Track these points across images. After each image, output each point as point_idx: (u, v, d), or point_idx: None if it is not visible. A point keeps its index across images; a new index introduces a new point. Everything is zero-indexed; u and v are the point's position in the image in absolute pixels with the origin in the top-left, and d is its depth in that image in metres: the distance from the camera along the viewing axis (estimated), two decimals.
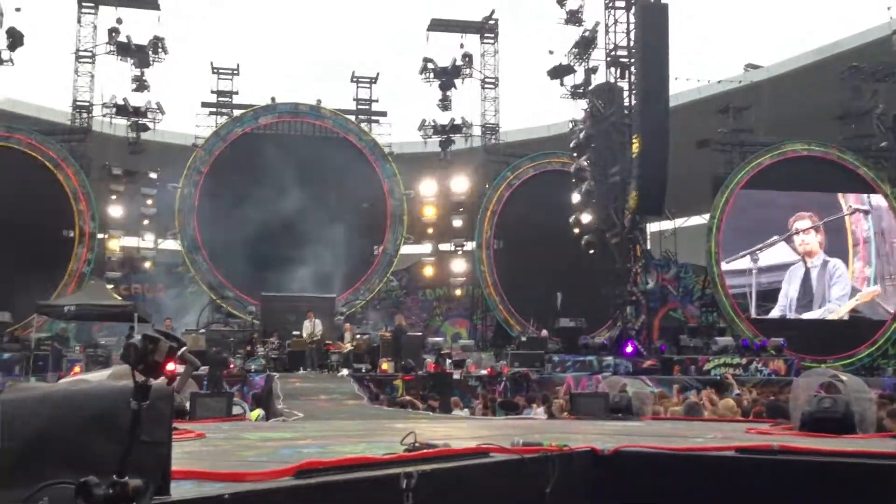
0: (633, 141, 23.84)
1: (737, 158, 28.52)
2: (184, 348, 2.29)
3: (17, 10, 24.31)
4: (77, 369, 18.52)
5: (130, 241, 28.91)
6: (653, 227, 32.09)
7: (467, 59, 30.85)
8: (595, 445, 4.04)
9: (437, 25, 31.04)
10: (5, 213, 24.04)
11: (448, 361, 19.81)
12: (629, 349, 23.03)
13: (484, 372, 20.28)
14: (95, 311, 21.78)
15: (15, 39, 24.27)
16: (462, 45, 30.86)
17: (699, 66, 33.57)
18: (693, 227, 34.14)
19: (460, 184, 30.25)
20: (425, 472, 2.99)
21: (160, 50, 28.59)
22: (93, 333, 26.03)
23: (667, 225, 32.33)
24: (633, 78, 25.05)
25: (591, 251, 25.51)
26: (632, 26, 25.35)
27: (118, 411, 2.28)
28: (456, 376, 19.19)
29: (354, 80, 31.61)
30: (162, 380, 2.33)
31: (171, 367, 2.42)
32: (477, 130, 31.16)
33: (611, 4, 26.35)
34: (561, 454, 3.75)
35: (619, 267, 25.14)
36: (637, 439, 4.62)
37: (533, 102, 38.52)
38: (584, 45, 27.61)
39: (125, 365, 2.31)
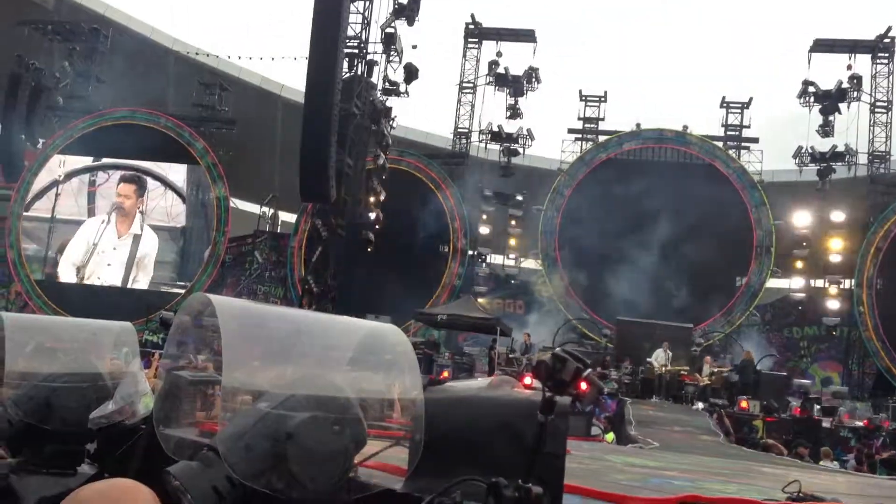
0: None
1: None
2: (589, 370, 2.39)
3: (414, 47, 27.23)
4: (445, 374, 20.13)
5: (496, 259, 30.78)
6: None
7: (855, 80, 28.27)
8: None
9: (821, 46, 28.92)
10: (395, 228, 26.87)
11: (816, 407, 18.25)
12: None
13: (860, 423, 18.34)
14: (463, 322, 23.55)
15: (410, 74, 27.16)
16: (850, 66, 28.35)
17: None
18: None
19: (839, 216, 27.66)
20: None
21: (534, 80, 30.26)
22: (458, 342, 28.10)
23: None
24: None
25: None
26: None
27: (524, 421, 2.43)
28: (825, 424, 17.60)
29: (724, 105, 30.61)
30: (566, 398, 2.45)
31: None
32: (863, 159, 28.39)
33: None
34: None
35: None
36: None
37: None
38: None
39: (503, 376, 2.48)
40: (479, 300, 27.65)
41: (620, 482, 3.95)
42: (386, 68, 26.81)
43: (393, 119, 27.14)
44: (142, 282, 28.83)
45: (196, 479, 1.78)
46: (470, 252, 29.45)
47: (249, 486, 1.80)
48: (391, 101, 27.15)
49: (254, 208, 35.14)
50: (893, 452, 12.83)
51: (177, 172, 29.31)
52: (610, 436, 13.25)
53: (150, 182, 29.21)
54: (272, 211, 34.24)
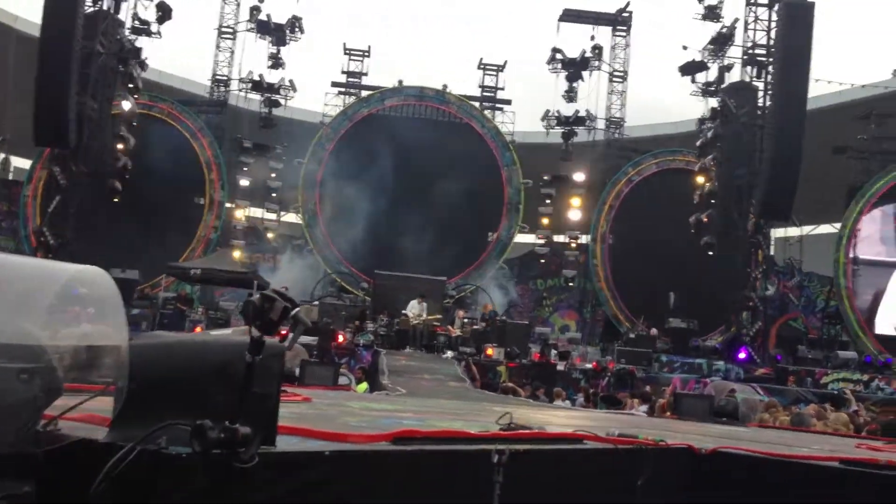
0: (765, 143, 23.01)
1: (876, 167, 27.04)
2: (297, 309, 2.42)
3: None
4: (198, 329, 19.49)
5: (256, 212, 30.09)
6: (778, 233, 30.85)
7: (597, 50, 30.44)
8: (693, 444, 4.00)
9: (569, 16, 30.76)
10: (144, 177, 25.36)
11: (553, 352, 19.79)
12: (742, 355, 22.33)
13: (589, 366, 20.16)
14: (219, 276, 22.84)
15: (164, 13, 25.55)
16: (593, 37, 30.48)
17: (841, 68, 31.87)
18: (821, 236, 32.62)
19: (579, 176, 29.94)
20: (517, 451, 3.05)
21: (297, 29, 29.58)
22: (215, 297, 27.27)
23: (793, 232, 31.02)
24: (769, 78, 24.13)
25: (710, 253, 24.83)
26: (773, 24, 24.40)
27: (234, 363, 2.42)
28: (560, 367, 19.15)
29: (481, 67, 31.72)
30: (275, 338, 2.47)
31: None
32: (601, 124, 30.76)
33: (752, 1, 25.41)
34: (656, 449, 3.74)
35: (739, 271, 24.34)
36: (738, 443, 4.53)
37: (661, 98, 37.62)
38: (721, 42, 26.74)
39: (244, 326, 2.46)
40: (237, 254, 26.97)
41: (350, 424, 4.06)
42: (136, 5, 25.08)
43: (143, 61, 25.41)
44: None
45: None
46: (228, 204, 28.56)
47: None
48: (141, 42, 25.47)
49: None
50: (611, 392, 14.25)
51: None
52: (362, 386, 13.52)
53: None
54: (3, 155, 30.96)
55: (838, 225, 27.66)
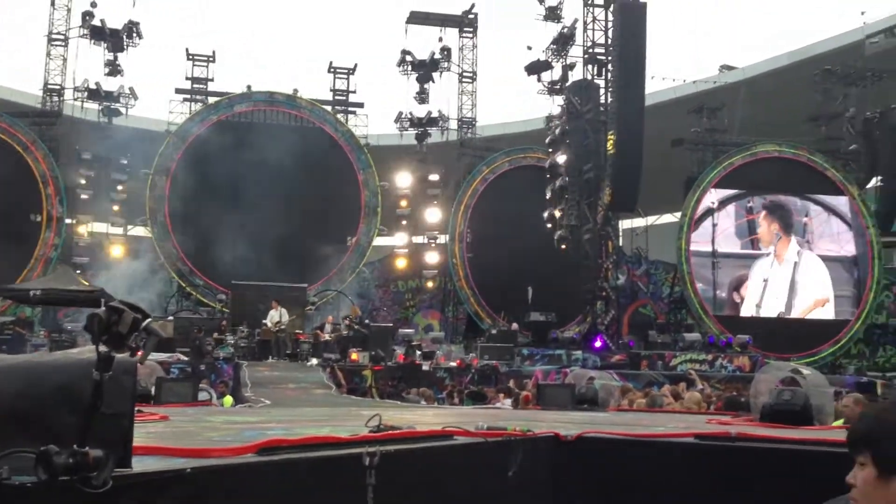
0: (609, 138, 24.01)
1: (709, 158, 28.76)
2: (148, 320, 2.28)
3: None
4: None
5: (99, 227, 28.57)
6: (625, 223, 32.36)
7: (446, 52, 30.87)
8: (558, 431, 4.09)
9: (417, 18, 31.02)
10: None
11: (418, 353, 19.86)
12: (598, 344, 23.21)
13: (453, 364, 20.34)
14: (62, 297, 21.39)
15: None
16: (441, 39, 30.90)
17: (675, 65, 33.85)
18: (664, 225, 34.46)
19: (435, 177, 30.26)
20: (388, 452, 3.01)
21: (134, 35, 28.31)
22: (58, 319, 25.73)
23: (639, 222, 32.61)
24: (609, 76, 25.19)
25: (563, 246, 25.67)
26: (610, 24, 25.49)
27: (81, 382, 2.26)
28: (425, 367, 19.23)
29: (332, 70, 31.44)
30: (126, 353, 2.32)
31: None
32: (453, 124, 31.20)
33: (590, 2, 26.41)
34: (524, 439, 3.80)
35: (591, 263, 25.30)
36: (600, 427, 4.68)
37: (510, 98, 38.69)
38: (562, 42, 27.69)
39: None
40: (80, 272, 25.51)
41: (212, 439, 3.90)
42: None
43: None
44: None
45: None
46: (67, 220, 26.95)
47: None
48: None
49: None
50: (477, 388, 14.47)
51: None
52: (227, 400, 13.10)
53: None
54: None
55: (678, 214, 29.23)
